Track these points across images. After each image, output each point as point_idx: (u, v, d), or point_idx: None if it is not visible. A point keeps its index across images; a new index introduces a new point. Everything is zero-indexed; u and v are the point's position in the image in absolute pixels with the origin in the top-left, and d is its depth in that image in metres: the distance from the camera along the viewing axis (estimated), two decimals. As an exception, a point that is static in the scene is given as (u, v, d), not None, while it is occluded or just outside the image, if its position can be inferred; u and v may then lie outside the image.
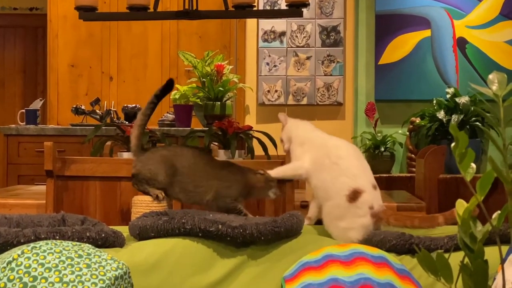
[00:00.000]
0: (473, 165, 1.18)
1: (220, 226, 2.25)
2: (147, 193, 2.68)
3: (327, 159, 2.48)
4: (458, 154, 1.16)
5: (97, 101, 5.95)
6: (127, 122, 5.75)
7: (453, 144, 1.18)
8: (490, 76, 1.17)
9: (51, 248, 1.85)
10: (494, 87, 1.15)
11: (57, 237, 2.07)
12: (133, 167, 2.69)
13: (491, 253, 1.38)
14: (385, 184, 5.58)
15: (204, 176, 2.67)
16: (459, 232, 1.20)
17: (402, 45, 6.12)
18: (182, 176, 2.65)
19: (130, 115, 5.85)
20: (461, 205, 1.22)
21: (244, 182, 2.68)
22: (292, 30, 6.14)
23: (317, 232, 2.48)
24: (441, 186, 4.88)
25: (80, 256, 1.85)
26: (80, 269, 1.81)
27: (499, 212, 1.21)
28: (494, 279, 1.97)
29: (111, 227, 2.32)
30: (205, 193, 2.65)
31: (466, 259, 1.20)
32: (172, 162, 2.66)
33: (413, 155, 5.89)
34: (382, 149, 5.89)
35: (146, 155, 2.69)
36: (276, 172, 2.66)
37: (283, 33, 6.15)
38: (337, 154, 2.49)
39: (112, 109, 6.08)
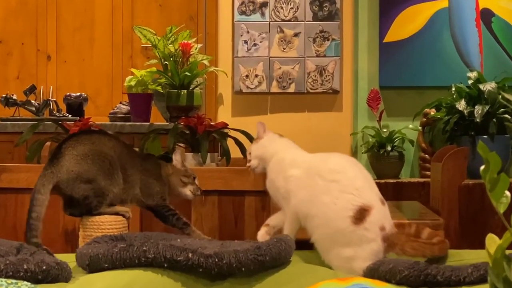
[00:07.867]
0: (508, 193, 1.20)
1: (190, 255, 2.26)
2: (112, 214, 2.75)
3: (321, 180, 2.48)
4: (489, 180, 1.17)
5: (32, 89, 5.91)
6: (70, 116, 5.73)
7: (482, 167, 1.20)
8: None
9: (-19, 288, 1.85)
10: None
11: (-13, 271, 2.07)
12: (60, 184, 2.75)
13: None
14: (393, 191, 5.60)
15: (130, 167, 2.82)
16: (489, 275, 1.22)
17: (413, 19, 6.14)
18: (116, 169, 2.76)
19: (74, 106, 5.83)
20: (491, 241, 1.23)
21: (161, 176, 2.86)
22: (276, 0, 6.15)
23: (310, 260, 2.49)
24: (462, 193, 4.91)
25: (17, 298, 1.86)
26: (18, 315, 1.82)
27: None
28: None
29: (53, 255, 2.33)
30: (132, 188, 2.81)
31: (499, 308, 1.22)
32: (105, 157, 2.74)
33: (427, 155, 5.92)
34: (389, 148, 5.90)
35: (68, 161, 2.75)
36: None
37: (264, 4, 6.16)
38: (331, 169, 2.50)
39: (51, 98, 6.06)
